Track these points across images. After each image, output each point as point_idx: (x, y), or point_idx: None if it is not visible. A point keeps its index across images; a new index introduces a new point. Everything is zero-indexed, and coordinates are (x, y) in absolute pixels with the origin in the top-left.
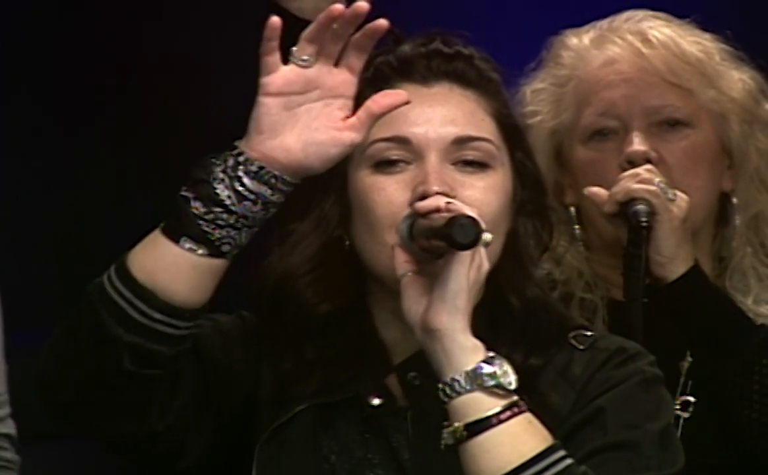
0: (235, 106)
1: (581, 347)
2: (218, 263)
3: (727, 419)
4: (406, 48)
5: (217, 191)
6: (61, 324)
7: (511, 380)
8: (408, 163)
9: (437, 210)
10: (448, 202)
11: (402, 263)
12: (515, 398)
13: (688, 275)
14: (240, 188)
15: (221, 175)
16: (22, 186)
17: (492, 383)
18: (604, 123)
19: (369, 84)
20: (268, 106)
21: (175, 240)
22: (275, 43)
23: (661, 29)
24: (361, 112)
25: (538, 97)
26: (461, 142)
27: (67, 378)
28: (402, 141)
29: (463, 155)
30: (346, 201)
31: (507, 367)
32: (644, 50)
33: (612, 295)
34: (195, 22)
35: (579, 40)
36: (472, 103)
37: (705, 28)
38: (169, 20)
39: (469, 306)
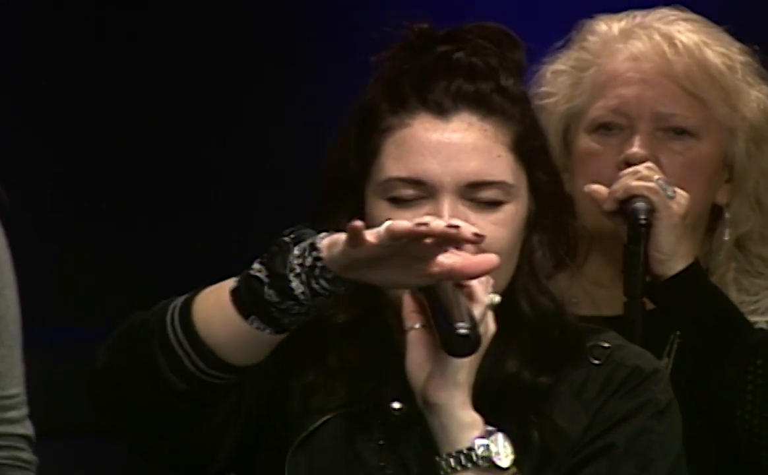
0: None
1: (597, 362)
2: (282, 336)
3: (718, 417)
4: (426, 60)
5: (293, 287)
6: (117, 339)
7: (505, 457)
8: (423, 197)
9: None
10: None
11: (410, 313)
12: (510, 474)
13: (686, 271)
14: (315, 287)
15: (298, 270)
16: (29, 185)
17: (486, 462)
18: (612, 119)
19: (385, 95)
20: (350, 263)
21: (244, 316)
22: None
23: (689, 34)
24: (436, 268)
25: (557, 78)
26: (476, 185)
27: (116, 396)
28: (417, 182)
29: (477, 197)
30: (362, 221)
31: (503, 442)
32: (668, 53)
33: (601, 313)
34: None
35: (608, 28)
36: (490, 140)
37: (737, 36)
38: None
39: (471, 376)
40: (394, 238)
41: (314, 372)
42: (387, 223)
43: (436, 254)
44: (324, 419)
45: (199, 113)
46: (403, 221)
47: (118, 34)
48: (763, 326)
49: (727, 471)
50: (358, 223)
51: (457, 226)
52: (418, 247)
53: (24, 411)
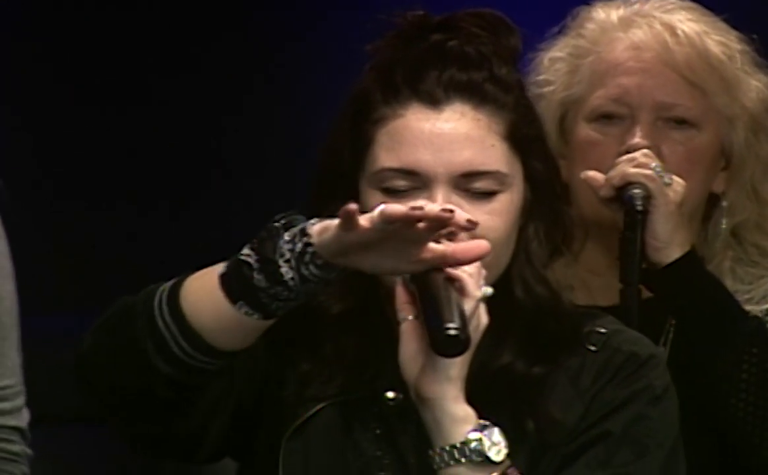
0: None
1: (593, 349)
2: (269, 321)
3: (713, 405)
4: (419, 50)
5: (282, 272)
6: (104, 323)
7: (499, 450)
8: (417, 188)
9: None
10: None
11: (403, 303)
12: (503, 468)
13: (682, 260)
14: (305, 273)
15: (288, 255)
16: (35, 175)
17: (479, 456)
18: (613, 108)
19: (377, 85)
20: (342, 248)
21: (232, 300)
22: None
23: (690, 23)
24: (427, 254)
25: (554, 65)
26: (469, 175)
27: (101, 378)
28: (410, 172)
29: (471, 187)
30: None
31: (497, 436)
32: (670, 42)
33: (597, 302)
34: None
35: (606, 16)
36: (483, 129)
37: (735, 25)
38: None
39: (464, 370)
40: (388, 221)
41: (310, 361)
42: (381, 207)
43: (428, 240)
44: (319, 406)
45: (198, 106)
46: (397, 205)
47: (114, 28)
48: (758, 314)
49: (722, 459)
50: (352, 205)
51: (451, 211)
52: (410, 231)
53: (17, 402)
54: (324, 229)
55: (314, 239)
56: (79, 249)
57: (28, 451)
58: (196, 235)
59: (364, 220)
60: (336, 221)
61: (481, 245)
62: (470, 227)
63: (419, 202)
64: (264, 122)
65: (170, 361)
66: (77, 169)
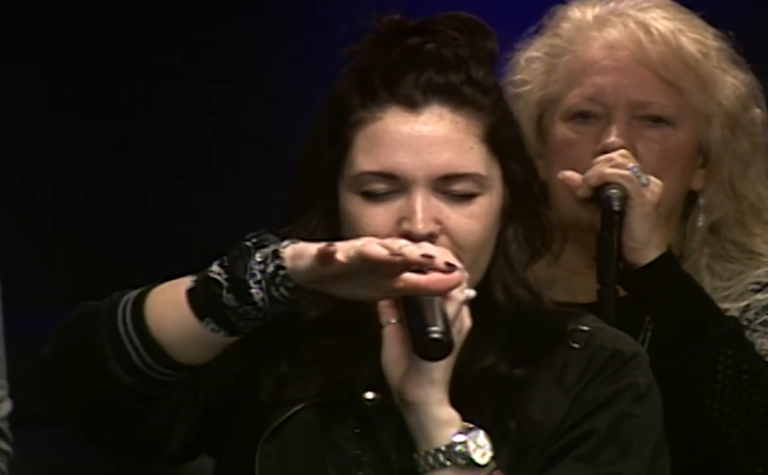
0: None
1: (577, 346)
2: (234, 338)
3: (689, 406)
4: (396, 53)
5: (252, 293)
6: (67, 327)
7: (484, 452)
8: (396, 191)
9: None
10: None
11: (386, 308)
12: (488, 470)
13: (659, 260)
14: (275, 294)
15: (259, 276)
16: (28, 175)
17: (463, 459)
18: (589, 107)
19: (355, 89)
20: (317, 278)
21: (199, 316)
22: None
23: (664, 22)
24: (401, 284)
25: (530, 65)
26: (448, 178)
27: (60, 383)
28: (388, 176)
29: (450, 190)
30: (335, 215)
31: (482, 439)
32: (644, 41)
33: (576, 300)
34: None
35: (582, 15)
36: (461, 132)
37: (713, 22)
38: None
39: (448, 373)
40: (365, 261)
41: (287, 363)
42: (359, 244)
43: (403, 273)
44: (297, 408)
45: (198, 108)
46: (376, 246)
47: (114, 28)
48: (735, 313)
49: (701, 458)
50: (331, 247)
51: (431, 256)
52: (386, 267)
53: None
54: (298, 255)
55: (287, 263)
56: (78, 248)
57: (5, 446)
58: (195, 236)
59: (341, 255)
60: (310, 249)
61: (455, 276)
62: (449, 270)
63: (399, 242)
64: (258, 123)
65: (131, 372)
66: (77, 169)
